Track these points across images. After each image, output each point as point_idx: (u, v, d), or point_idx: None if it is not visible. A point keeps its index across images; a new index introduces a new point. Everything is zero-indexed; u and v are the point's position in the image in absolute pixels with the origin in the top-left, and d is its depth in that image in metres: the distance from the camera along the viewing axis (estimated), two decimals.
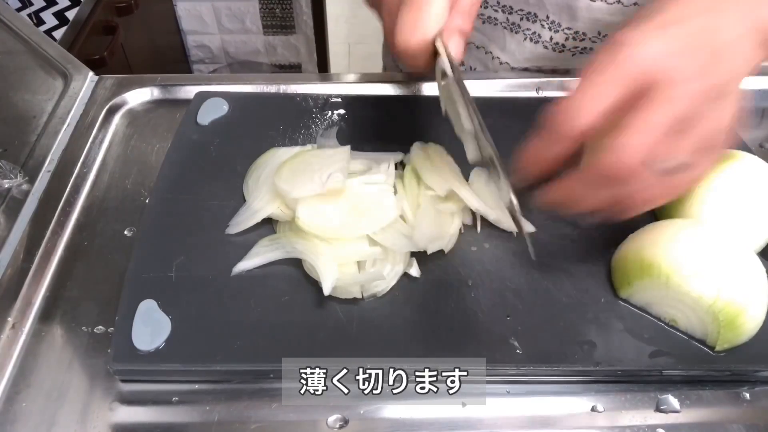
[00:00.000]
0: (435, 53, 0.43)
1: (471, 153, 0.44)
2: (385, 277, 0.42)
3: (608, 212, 0.40)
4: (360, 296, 0.42)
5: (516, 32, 0.66)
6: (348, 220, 0.44)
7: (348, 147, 0.49)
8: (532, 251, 0.40)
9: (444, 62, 0.43)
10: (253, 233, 0.46)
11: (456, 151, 0.50)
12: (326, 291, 0.41)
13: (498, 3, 0.65)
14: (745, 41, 0.38)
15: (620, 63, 0.36)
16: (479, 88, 0.62)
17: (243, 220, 0.46)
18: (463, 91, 0.41)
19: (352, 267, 0.43)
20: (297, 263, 0.44)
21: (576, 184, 0.39)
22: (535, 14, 0.63)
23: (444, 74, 0.43)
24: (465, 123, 0.42)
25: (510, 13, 0.65)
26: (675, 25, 0.37)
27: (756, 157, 0.47)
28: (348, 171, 0.47)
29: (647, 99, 0.36)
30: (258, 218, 0.46)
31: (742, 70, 0.39)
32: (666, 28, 0.36)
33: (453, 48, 0.44)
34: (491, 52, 0.69)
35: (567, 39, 0.63)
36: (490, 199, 0.48)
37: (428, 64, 0.44)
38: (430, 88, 0.61)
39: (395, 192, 0.47)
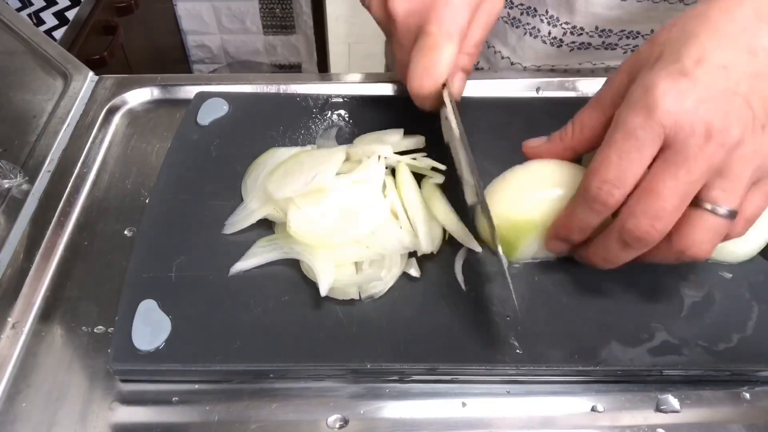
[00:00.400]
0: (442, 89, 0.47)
1: (469, 198, 0.45)
2: (382, 278, 0.42)
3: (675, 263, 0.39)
4: (357, 297, 0.42)
5: (516, 27, 0.66)
6: (337, 225, 0.44)
7: (344, 147, 0.49)
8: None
9: (450, 115, 0.46)
10: (253, 233, 0.46)
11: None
12: (323, 292, 0.41)
13: None
14: None
15: (654, 125, 0.34)
16: (480, 88, 0.62)
17: (239, 220, 0.46)
18: (466, 147, 0.44)
19: (349, 268, 0.43)
20: (297, 263, 0.44)
21: (615, 248, 0.38)
22: (534, 9, 0.64)
23: (447, 118, 0.47)
24: (466, 176, 0.44)
25: (511, 8, 0.65)
26: (708, 60, 0.35)
27: None
28: (337, 170, 0.46)
29: (677, 155, 0.34)
30: (254, 219, 0.46)
31: None
32: (696, 72, 0.34)
33: (457, 84, 0.48)
34: (494, 47, 0.69)
35: (565, 34, 0.63)
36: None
37: (436, 104, 0.48)
38: None
39: (385, 187, 0.47)
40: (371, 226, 0.43)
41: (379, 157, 0.48)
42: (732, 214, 0.36)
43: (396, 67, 0.51)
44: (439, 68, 0.45)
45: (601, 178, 0.36)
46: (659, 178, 0.35)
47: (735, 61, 0.35)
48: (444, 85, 0.47)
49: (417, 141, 0.52)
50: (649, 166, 0.36)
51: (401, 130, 0.52)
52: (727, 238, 0.38)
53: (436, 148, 0.50)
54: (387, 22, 0.48)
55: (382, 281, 0.42)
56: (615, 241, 0.38)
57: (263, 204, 0.46)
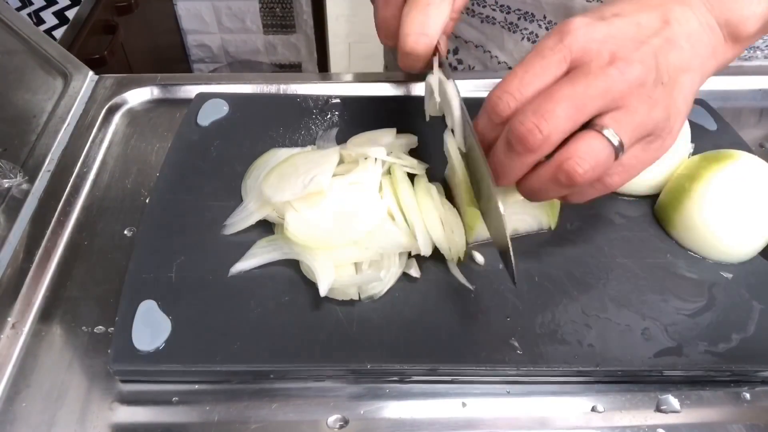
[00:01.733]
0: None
1: (458, 142, 0.44)
2: (381, 278, 0.42)
3: (542, 189, 0.38)
4: (357, 297, 0.42)
5: (514, 32, 0.66)
6: (334, 226, 0.44)
7: (337, 148, 0.49)
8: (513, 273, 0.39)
9: (440, 66, 0.45)
10: (253, 233, 0.46)
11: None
12: (322, 292, 0.41)
13: (496, 2, 0.65)
14: (707, 35, 0.38)
15: (562, 47, 0.36)
16: (477, 87, 0.62)
17: (238, 221, 0.46)
18: (462, 108, 0.43)
19: (348, 268, 0.43)
20: (297, 263, 0.44)
21: (501, 152, 0.37)
22: (532, 14, 0.63)
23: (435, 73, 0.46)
24: (456, 114, 0.43)
25: (508, 13, 0.65)
26: (624, 17, 0.37)
27: (755, 156, 0.47)
28: (333, 171, 0.46)
29: (579, 71, 0.35)
30: (253, 220, 0.46)
31: (698, 63, 0.38)
32: (613, 19, 0.36)
33: (442, 46, 0.46)
34: (490, 51, 0.69)
35: None
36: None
37: (425, 66, 0.47)
38: None
39: (381, 188, 0.46)
40: (368, 227, 0.43)
41: (375, 159, 0.48)
42: (619, 147, 0.35)
43: (378, 25, 0.49)
44: (435, 26, 0.45)
45: (503, 88, 0.37)
46: (557, 86, 0.35)
47: (649, 23, 0.37)
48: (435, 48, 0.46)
49: (410, 141, 0.52)
50: None
51: (393, 130, 0.52)
52: (603, 186, 0.38)
53: (432, 145, 0.50)
54: None
55: (382, 281, 0.42)
56: (502, 143, 0.37)
57: (262, 205, 0.46)
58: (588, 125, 0.36)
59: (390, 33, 0.48)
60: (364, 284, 0.42)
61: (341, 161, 0.49)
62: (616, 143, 0.35)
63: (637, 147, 0.37)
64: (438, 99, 0.46)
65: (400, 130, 0.53)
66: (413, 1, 0.45)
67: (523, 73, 0.36)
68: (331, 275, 0.41)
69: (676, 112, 0.37)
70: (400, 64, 0.48)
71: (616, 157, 0.36)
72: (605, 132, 0.35)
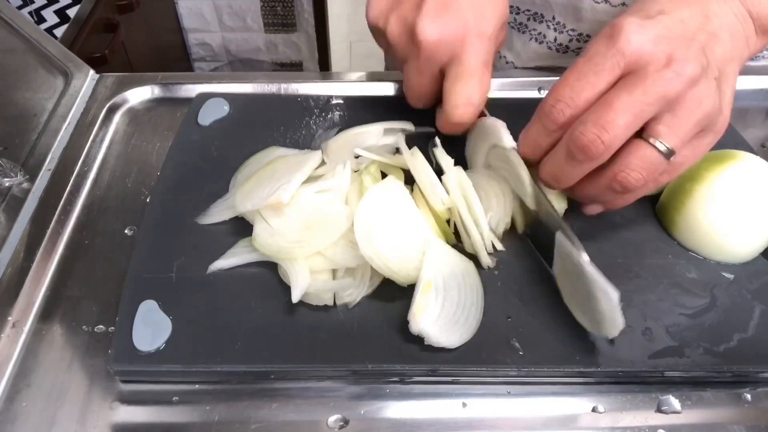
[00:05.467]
0: None
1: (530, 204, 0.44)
2: (356, 286, 0.42)
3: (598, 195, 0.40)
4: (332, 303, 0.42)
5: (523, 32, 0.66)
6: (300, 236, 0.43)
7: (319, 152, 0.48)
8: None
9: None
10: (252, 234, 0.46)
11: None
12: (295, 298, 0.40)
13: None
14: (741, 26, 0.40)
15: (615, 51, 0.36)
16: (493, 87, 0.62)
17: (216, 212, 0.46)
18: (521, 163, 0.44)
19: (324, 274, 0.43)
20: None
21: (560, 160, 0.39)
22: (541, 15, 0.63)
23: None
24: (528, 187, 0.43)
25: (518, 13, 0.65)
26: (668, 14, 0.37)
27: (757, 156, 0.47)
28: (308, 177, 0.45)
29: (636, 77, 0.36)
30: (227, 216, 0.46)
31: (737, 53, 0.39)
32: (659, 17, 0.37)
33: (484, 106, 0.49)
34: (498, 51, 0.69)
35: (571, 40, 0.63)
36: None
37: (467, 129, 0.49)
38: None
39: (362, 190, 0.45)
40: (332, 238, 0.43)
41: (344, 164, 0.46)
42: (669, 153, 0.37)
43: (409, 89, 0.50)
44: (481, 95, 0.46)
45: (556, 96, 0.38)
46: (615, 94, 0.36)
47: (691, 19, 0.38)
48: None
49: (397, 139, 0.51)
50: None
51: (381, 127, 0.51)
52: (654, 185, 0.40)
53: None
54: (408, 48, 0.47)
55: (357, 289, 0.42)
56: (562, 151, 0.38)
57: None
58: (641, 130, 0.37)
59: (422, 98, 0.50)
60: (339, 291, 0.42)
61: (324, 163, 0.48)
62: (665, 150, 0.37)
63: (688, 146, 0.38)
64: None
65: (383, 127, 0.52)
66: (457, 73, 0.46)
67: (575, 81, 0.37)
68: (306, 281, 0.41)
69: (726, 102, 0.39)
70: (442, 129, 0.49)
71: (668, 160, 0.37)
72: (656, 142, 0.37)
